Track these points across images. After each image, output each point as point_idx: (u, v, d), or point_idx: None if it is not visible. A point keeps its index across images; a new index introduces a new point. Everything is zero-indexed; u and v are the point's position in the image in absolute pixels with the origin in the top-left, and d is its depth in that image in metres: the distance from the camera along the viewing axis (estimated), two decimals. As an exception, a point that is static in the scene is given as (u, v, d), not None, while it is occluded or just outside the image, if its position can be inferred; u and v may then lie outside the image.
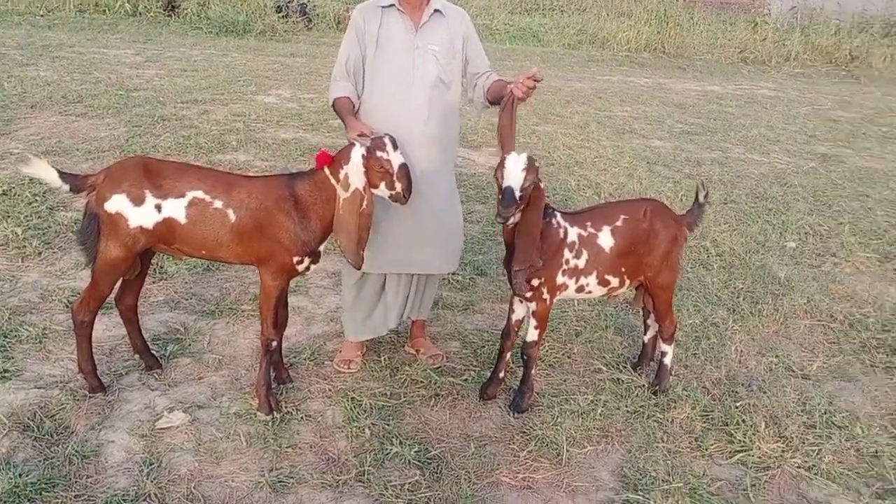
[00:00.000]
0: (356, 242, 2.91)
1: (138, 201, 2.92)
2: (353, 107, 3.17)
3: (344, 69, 3.24)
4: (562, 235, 3.11)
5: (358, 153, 2.88)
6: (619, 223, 3.20)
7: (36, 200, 5.09)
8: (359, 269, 3.00)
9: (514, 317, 3.28)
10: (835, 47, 16.40)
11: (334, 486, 2.74)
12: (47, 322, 3.64)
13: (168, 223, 2.94)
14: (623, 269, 3.22)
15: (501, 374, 3.33)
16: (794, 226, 5.83)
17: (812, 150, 8.63)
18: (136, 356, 3.36)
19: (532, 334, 3.20)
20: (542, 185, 2.92)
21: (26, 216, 4.81)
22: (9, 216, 4.78)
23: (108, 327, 3.64)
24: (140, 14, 15.86)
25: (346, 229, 2.89)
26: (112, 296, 3.13)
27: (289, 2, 16.51)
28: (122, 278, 3.09)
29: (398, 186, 2.91)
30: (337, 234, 2.92)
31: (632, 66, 15.05)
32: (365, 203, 2.90)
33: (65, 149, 6.37)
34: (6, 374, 3.20)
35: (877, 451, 3.11)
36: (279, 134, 7.67)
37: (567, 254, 3.11)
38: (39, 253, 4.38)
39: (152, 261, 3.32)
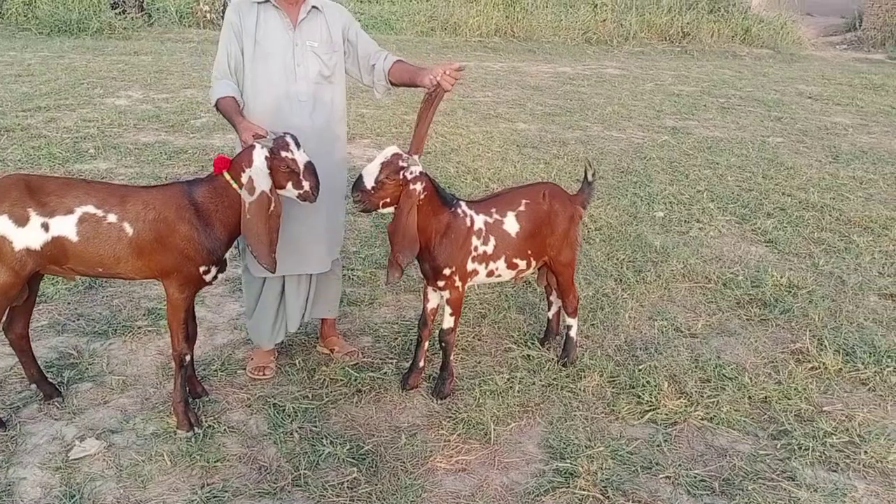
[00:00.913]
0: (268, 245, 2.86)
1: (22, 221, 2.73)
2: (239, 106, 3.10)
3: (225, 67, 3.17)
4: (468, 224, 3.19)
5: (261, 155, 2.82)
6: (521, 208, 3.32)
7: None
8: (273, 272, 2.95)
9: (429, 306, 3.34)
10: (668, 25, 17.50)
11: (272, 493, 2.70)
12: (-80, 361, 3.32)
13: (58, 242, 2.76)
14: (529, 252, 3.35)
15: (421, 363, 3.38)
16: (659, 196, 6.24)
17: (662, 124, 9.23)
18: (33, 386, 3.13)
19: (448, 321, 3.27)
20: (414, 187, 2.97)
21: None
22: None
23: (-10, 359, 3.36)
24: (-44, 15, 14.48)
25: (255, 233, 2.82)
26: (-1, 325, 2.90)
27: (125, -3, 15.61)
28: (9, 305, 2.87)
29: (306, 185, 2.89)
30: (247, 238, 2.85)
31: (485, 50, 15.43)
32: (273, 205, 2.85)
33: None
34: None
35: (766, 397, 3.42)
36: (139, 138, 7.30)
37: (475, 241, 3.20)
38: None
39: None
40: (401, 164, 2.94)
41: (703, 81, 12.66)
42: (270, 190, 2.83)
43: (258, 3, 3.16)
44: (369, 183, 2.93)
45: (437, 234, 3.10)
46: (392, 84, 3.32)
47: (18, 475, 2.70)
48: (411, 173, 2.96)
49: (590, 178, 3.59)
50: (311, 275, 3.43)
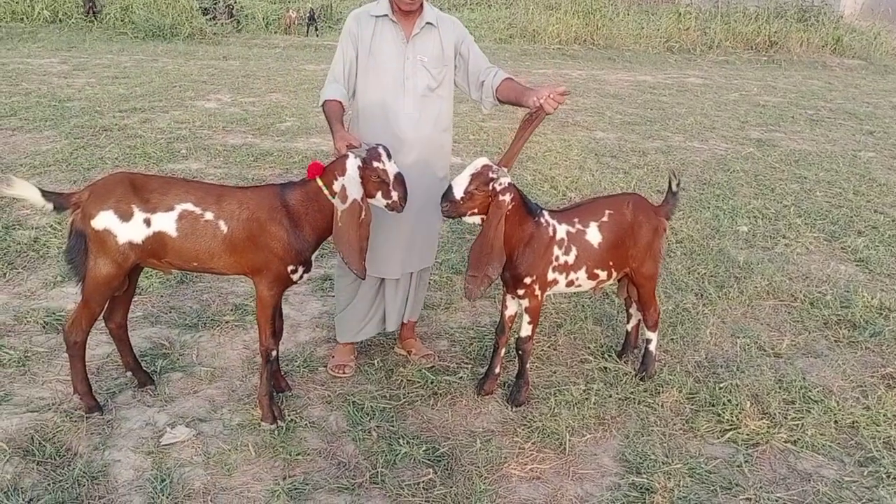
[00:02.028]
0: (358, 252, 2.92)
1: (126, 217, 2.87)
2: (343, 112, 3.19)
3: (340, 72, 3.27)
4: (551, 233, 3.20)
5: (354, 164, 2.89)
6: (605, 218, 3.31)
7: (-12, 220, 4.90)
8: (363, 278, 3.02)
9: (507, 313, 3.35)
10: (754, 34, 17.08)
11: (350, 489, 2.77)
12: (27, 344, 3.53)
13: (158, 237, 2.90)
14: (610, 263, 3.33)
15: (497, 370, 3.40)
16: (743, 210, 6.10)
17: (747, 136, 9.00)
18: (128, 373, 3.30)
19: (526, 329, 3.28)
20: (503, 198, 3.00)
21: (-19, 237, 4.63)
22: (-37, 237, 4.59)
23: (90, 346, 3.53)
24: (60, 21, 15.33)
25: (347, 241, 2.89)
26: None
27: (215, 4, 16.20)
28: (111, 296, 3.03)
29: (394, 195, 2.94)
30: (338, 245, 2.92)
31: (564, 58, 15.36)
32: (364, 213, 2.91)
33: (8, 165, 6.13)
34: (-6, 401, 3.10)
35: (853, 422, 3.31)
36: (227, 140, 7.56)
37: (556, 251, 3.20)
38: (4, 274, 4.23)
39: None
40: (490, 175, 2.97)
41: (791, 92, 12.29)
42: (362, 199, 2.89)
43: (376, 16, 3.27)
44: (458, 193, 2.97)
45: (521, 244, 3.12)
46: (499, 101, 3.35)
47: (113, 457, 2.84)
48: (500, 185, 2.99)
49: (674, 188, 3.55)
50: (410, 276, 3.53)
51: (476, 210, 3.03)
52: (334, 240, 2.92)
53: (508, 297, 3.33)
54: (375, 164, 2.89)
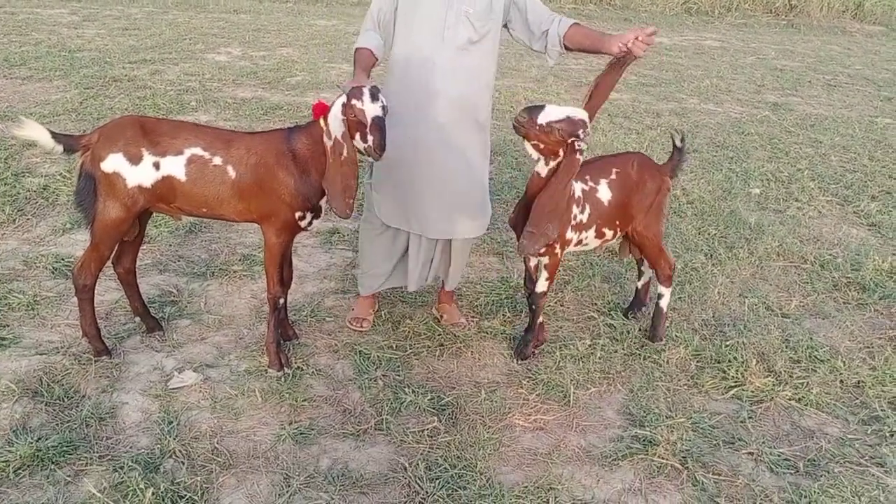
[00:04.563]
0: (341, 192, 2.82)
1: (135, 160, 2.86)
2: (373, 61, 3.07)
3: (375, 19, 3.14)
4: (570, 192, 3.12)
5: (339, 102, 2.78)
6: (613, 176, 3.27)
7: (-1, 167, 4.91)
8: (345, 217, 2.89)
9: (531, 265, 3.31)
10: (774, -3, 16.75)
11: (355, 435, 2.79)
12: (36, 289, 3.55)
13: (167, 181, 2.88)
14: (617, 221, 3.30)
15: (541, 320, 3.36)
16: (756, 172, 6.03)
17: (763, 99, 8.88)
18: (137, 319, 3.32)
19: (542, 285, 3.26)
20: (577, 157, 2.83)
21: (-8, 183, 4.64)
22: (-28, 184, 4.61)
23: (98, 292, 3.54)
24: (70, -30, 15.11)
25: (329, 179, 2.83)
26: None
27: (227, -44, 15.92)
28: (120, 240, 3.03)
29: (369, 139, 2.70)
30: (323, 183, 2.88)
31: (579, 18, 15.00)
32: (345, 152, 2.78)
33: (17, 113, 6.10)
34: (4, 343, 3.12)
35: (859, 382, 3.30)
36: (237, 93, 7.50)
37: (575, 209, 3.15)
38: (13, 220, 4.24)
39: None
40: (580, 131, 2.79)
41: (809, 57, 12.09)
42: (342, 136, 2.78)
43: None
44: (542, 119, 2.77)
45: None
46: (567, 49, 3.13)
47: (121, 399, 2.87)
48: (580, 144, 2.82)
49: (678, 143, 3.46)
50: (435, 241, 3.38)
51: (541, 145, 2.84)
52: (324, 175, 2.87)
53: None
54: (354, 101, 2.69)
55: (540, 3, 3.19)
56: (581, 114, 2.80)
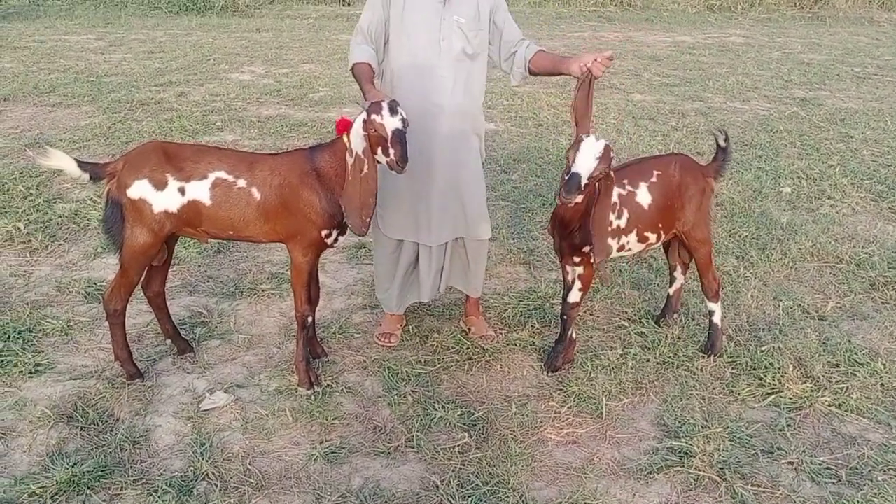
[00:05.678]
0: (359, 208, 2.84)
1: (161, 186, 2.89)
2: (373, 73, 3.11)
3: (366, 32, 3.18)
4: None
5: (360, 118, 2.80)
6: (654, 179, 3.21)
7: (31, 194, 5.00)
8: (361, 235, 2.92)
9: (570, 277, 3.28)
10: (798, -9, 16.52)
11: (386, 453, 2.78)
12: (69, 314, 3.60)
13: (193, 205, 2.91)
14: (660, 225, 3.24)
15: (573, 335, 3.33)
16: (787, 171, 5.93)
17: (790, 95, 8.74)
18: (168, 341, 3.35)
19: (575, 296, 3.22)
20: (611, 174, 2.88)
21: (24, 210, 4.72)
22: (6, 211, 4.69)
23: (130, 315, 3.59)
24: (96, -4, 15.43)
25: (347, 195, 2.85)
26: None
27: (249, -25, 16.16)
28: (148, 265, 3.06)
29: (391, 153, 2.74)
30: (341, 199, 2.89)
31: (600, 20, 15.05)
32: (366, 168, 2.80)
33: (47, 140, 6.22)
34: (39, 368, 3.17)
35: (901, 384, 3.22)
36: (262, 111, 7.57)
37: (610, 216, 3.10)
38: (46, 246, 4.31)
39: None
40: (612, 155, 2.81)
41: (837, 49, 11.89)
42: (363, 152, 2.80)
43: None
44: (585, 180, 2.77)
45: (579, 214, 3.00)
46: (531, 73, 3.25)
47: (154, 422, 2.89)
48: (612, 165, 2.85)
49: (721, 143, 3.39)
50: (444, 247, 3.41)
51: (591, 194, 2.91)
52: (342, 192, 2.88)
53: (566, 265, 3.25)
54: (374, 116, 2.72)
55: (515, 25, 3.29)
56: (599, 145, 2.78)
